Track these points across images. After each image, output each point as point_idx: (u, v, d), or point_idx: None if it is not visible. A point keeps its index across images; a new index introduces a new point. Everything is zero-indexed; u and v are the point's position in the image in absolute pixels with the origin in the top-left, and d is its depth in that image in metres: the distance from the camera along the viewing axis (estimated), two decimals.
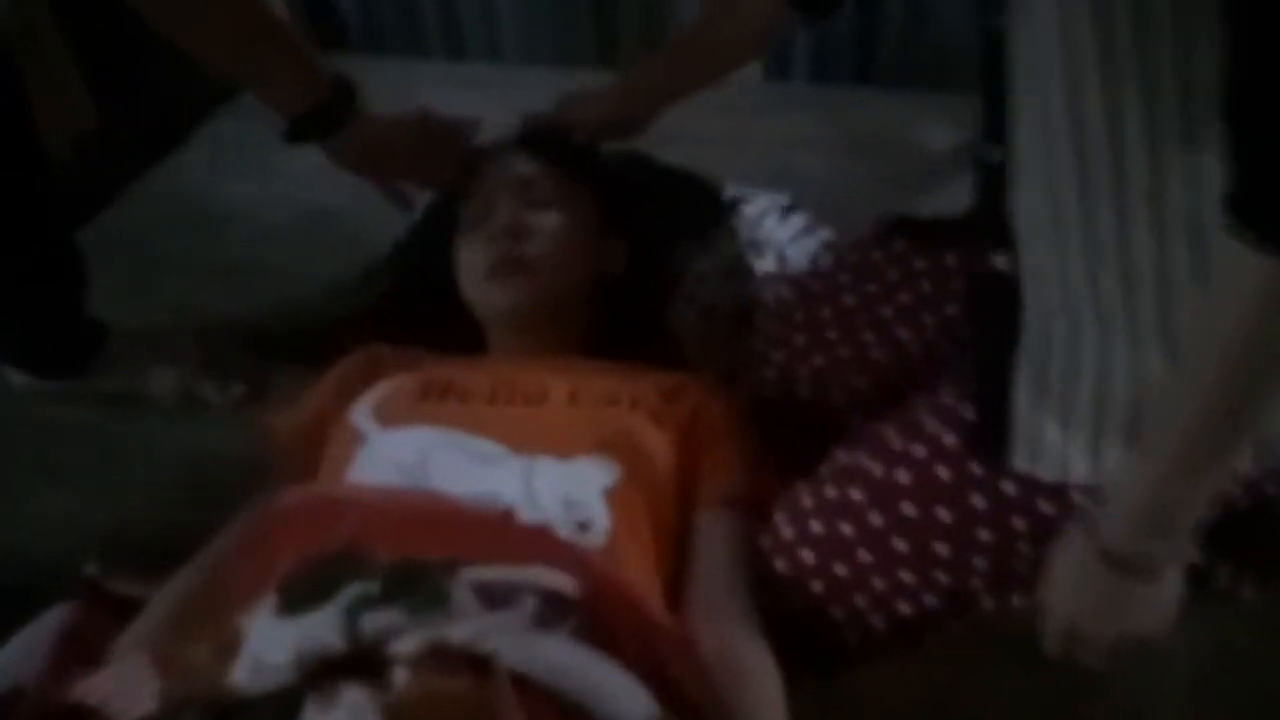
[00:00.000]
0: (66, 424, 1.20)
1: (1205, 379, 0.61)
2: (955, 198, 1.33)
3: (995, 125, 0.74)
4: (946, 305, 0.98)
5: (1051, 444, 0.77)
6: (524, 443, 0.85)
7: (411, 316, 1.18)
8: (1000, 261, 0.79)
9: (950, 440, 0.82)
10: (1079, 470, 0.76)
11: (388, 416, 0.89)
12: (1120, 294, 0.71)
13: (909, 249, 1.00)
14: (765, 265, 1.29)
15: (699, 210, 1.28)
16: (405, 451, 0.85)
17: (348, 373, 1.02)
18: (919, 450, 0.83)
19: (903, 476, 0.83)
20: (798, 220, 1.36)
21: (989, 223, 0.78)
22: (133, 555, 1.01)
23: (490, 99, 1.85)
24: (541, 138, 1.18)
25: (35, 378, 1.19)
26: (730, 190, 1.37)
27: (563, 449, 0.84)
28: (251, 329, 1.31)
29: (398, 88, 1.94)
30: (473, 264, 1.05)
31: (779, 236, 1.33)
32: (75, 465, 1.16)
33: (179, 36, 0.92)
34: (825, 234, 1.36)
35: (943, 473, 0.81)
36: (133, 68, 1.94)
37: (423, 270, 1.19)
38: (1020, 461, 0.78)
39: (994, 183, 0.76)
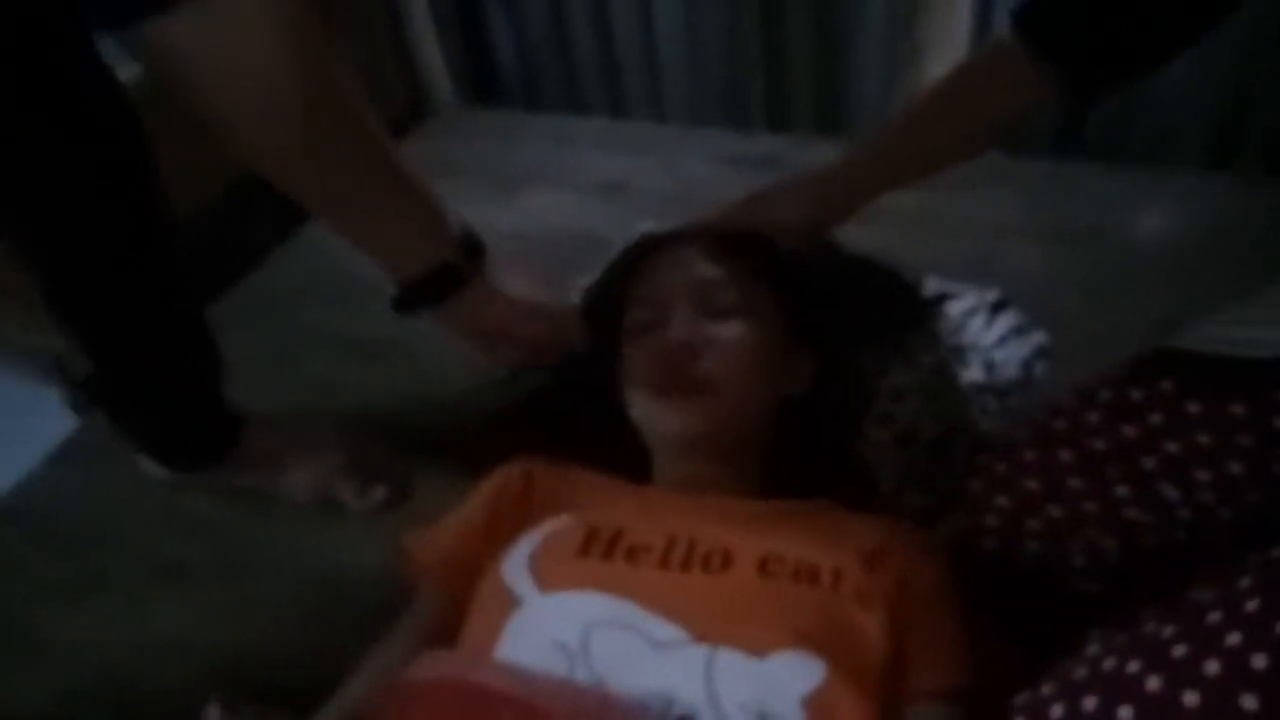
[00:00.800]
0: (196, 519, 1.12)
1: None
2: (1176, 296, 1.15)
3: None
4: (1229, 463, 0.79)
5: None
6: (705, 625, 0.70)
7: (567, 422, 1.05)
8: None
9: (1260, 662, 0.63)
10: None
11: (546, 576, 0.76)
12: None
13: (1180, 390, 0.82)
14: (971, 374, 1.12)
15: (896, 312, 1.12)
16: (566, 626, 0.71)
17: (500, 503, 0.89)
18: (1213, 667, 0.65)
19: (1191, 699, 0.65)
20: (1007, 320, 1.18)
21: None
22: (253, 687, 0.92)
23: (651, 161, 1.75)
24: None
25: (169, 469, 1.11)
26: (932, 284, 1.21)
27: (753, 639, 0.69)
28: (395, 420, 1.21)
29: (558, 144, 1.86)
30: (641, 380, 0.92)
31: (985, 340, 1.16)
32: (200, 568, 1.07)
33: (293, 188, 0.79)
34: (1039, 337, 1.18)
35: (1248, 703, 0.63)
36: None
37: (582, 372, 1.06)
38: None
39: None
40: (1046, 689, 0.71)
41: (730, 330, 0.92)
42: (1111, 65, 0.84)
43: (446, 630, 0.80)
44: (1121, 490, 0.82)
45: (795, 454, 0.99)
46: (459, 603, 0.81)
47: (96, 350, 0.99)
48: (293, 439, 1.12)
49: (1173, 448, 0.81)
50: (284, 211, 1.74)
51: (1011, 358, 1.15)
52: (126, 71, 1.57)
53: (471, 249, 0.91)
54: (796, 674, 0.68)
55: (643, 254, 1.06)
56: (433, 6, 1.96)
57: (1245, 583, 0.67)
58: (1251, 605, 0.65)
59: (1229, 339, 0.83)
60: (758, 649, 0.69)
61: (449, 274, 0.88)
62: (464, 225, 0.91)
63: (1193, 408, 0.81)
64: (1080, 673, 0.71)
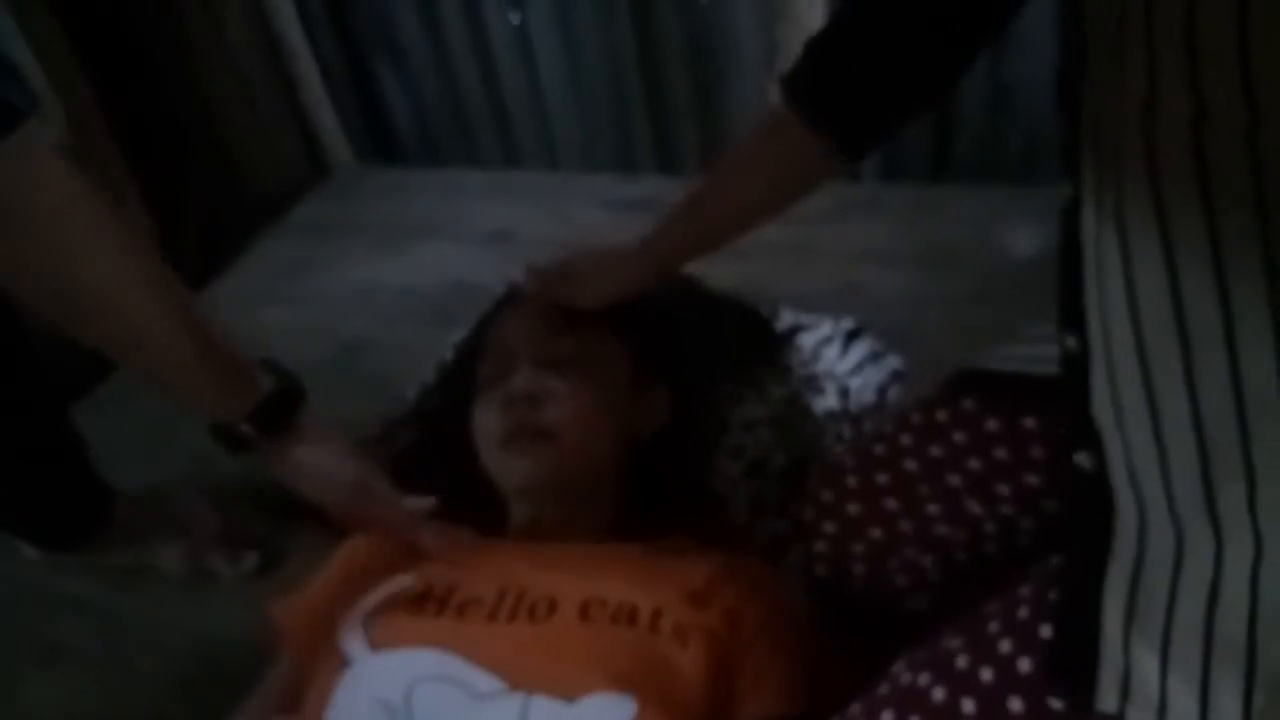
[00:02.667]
0: (71, 600, 1.13)
1: None
2: (1047, 313, 1.19)
3: (1069, 307, 0.61)
4: (1024, 475, 0.83)
5: (1146, 681, 0.61)
6: (523, 674, 0.73)
7: (431, 478, 1.08)
8: (1083, 459, 0.65)
9: (1025, 666, 0.67)
10: (1181, 717, 0.61)
11: (378, 635, 0.79)
12: (1242, 502, 0.56)
13: (979, 408, 0.86)
14: (826, 402, 1.16)
15: (746, 347, 1.16)
16: (391, 684, 0.73)
17: (352, 565, 0.91)
18: (987, 674, 0.68)
19: (968, 706, 0.68)
20: (861, 348, 1.23)
21: (1071, 414, 0.65)
22: None
23: (540, 208, 1.79)
24: None
25: (44, 551, 1.13)
26: (785, 318, 1.25)
27: (567, 684, 0.72)
28: (271, 486, 1.23)
29: (451, 198, 1.90)
30: (487, 431, 0.95)
31: (840, 368, 1.20)
32: (77, 647, 1.09)
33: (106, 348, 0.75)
34: (894, 361, 1.22)
35: (1015, 705, 0.66)
36: (187, 181, 1.95)
37: (445, 426, 1.09)
38: (1107, 700, 0.62)
39: (1073, 371, 0.63)
40: (855, 707, 0.75)
41: (570, 380, 0.95)
42: (873, 119, 0.86)
43: (300, 695, 0.83)
44: (932, 508, 0.86)
45: (649, 491, 1.02)
46: (311, 666, 0.83)
47: None
48: (163, 513, 1.14)
49: (975, 464, 0.85)
50: (184, 276, 1.78)
51: (866, 384, 1.19)
52: (40, 138, 1.61)
53: (275, 413, 0.84)
54: (606, 715, 0.70)
55: (499, 308, 1.09)
56: (325, 70, 2.00)
57: (1023, 591, 0.71)
58: (1023, 612, 0.69)
59: (1025, 356, 0.87)
60: (570, 693, 0.71)
61: (237, 439, 0.83)
62: (277, 383, 0.85)
63: (991, 424, 0.85)
64: (883, 689, 0.74)
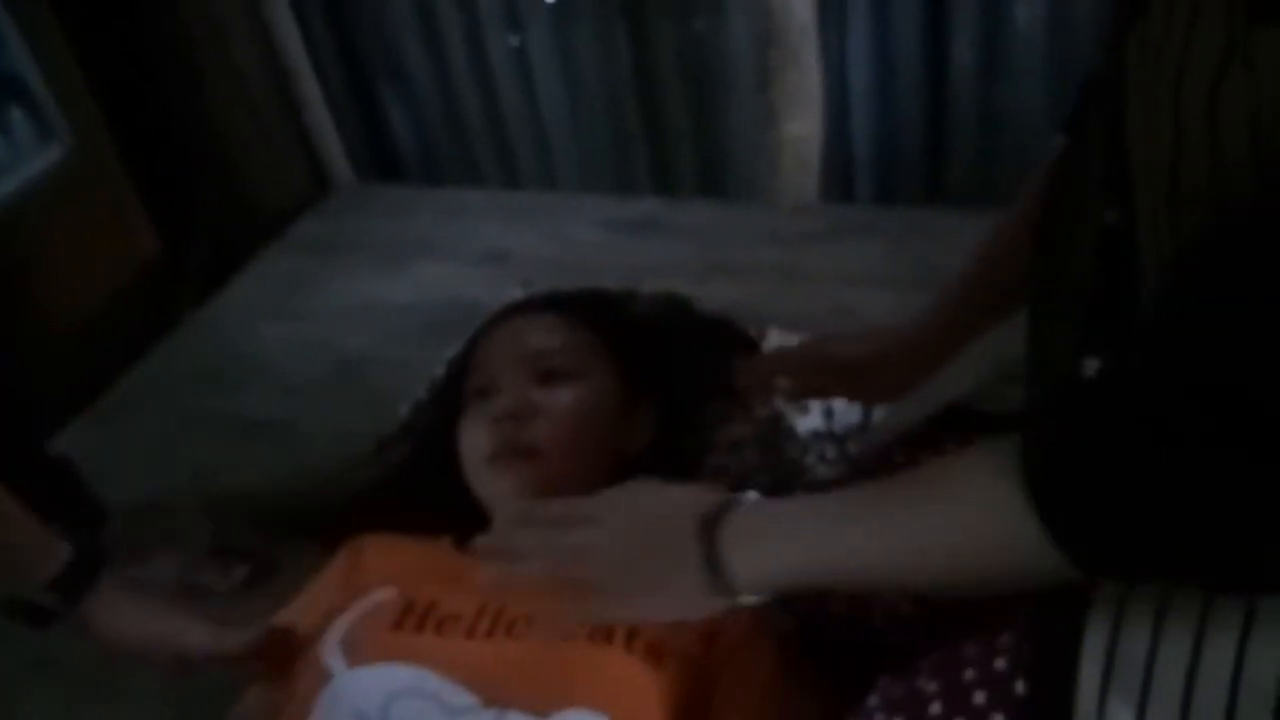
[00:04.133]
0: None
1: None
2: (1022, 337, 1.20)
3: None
4: None
5: None
6: (497, 690, 0.75)
7: (421, 494, 1.09)
8: None
9: None
10: None
11: (357, 650, 0.80)
12: None
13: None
14: (811, 422, 1.17)
15: (732, 366, 1.17)
16: (369, 698, 0.75)
17: (329, 582, 0.93)
18: None
19: None
20: None
21: None
22: None
23: (537, 228, 1.81)
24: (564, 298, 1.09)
25: None
26: (773, 338, 1.26)
27: (540, 700, 0.74)
28: (264, 501, 1.24)
29: (451, 217, 1.93)
30: (473, 448, 0.96)
31: None
32: (68, 661, 1.10)
33: None
34: None
35: None
36: (192, 199, 1.98)
37: (435, 442, 1.10)
38: None
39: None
40: None
41: (558, 397, 0.96)
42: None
43: (275, 710, 0.84)
44: None
45: None
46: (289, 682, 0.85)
47: None
48: (155, 524, 1.15)
49: None
50: (190, 290, 1.81)
51: (852, 404, 1.20)
52: (47, 155, 1.64)
53: (76, 579, 0.85)
54: None
55: (490, 323, 1.11)
56: (328, 91, 2.03)
57: (1003, 640, 0.71)
58: (1000, 664, 0.70)
59: (1005, 394, 0.88)
60: (543, 709, 0.73)
61: (37, 611, 0.84)
62: (77, 548, 0.85)
63: None
64: None
